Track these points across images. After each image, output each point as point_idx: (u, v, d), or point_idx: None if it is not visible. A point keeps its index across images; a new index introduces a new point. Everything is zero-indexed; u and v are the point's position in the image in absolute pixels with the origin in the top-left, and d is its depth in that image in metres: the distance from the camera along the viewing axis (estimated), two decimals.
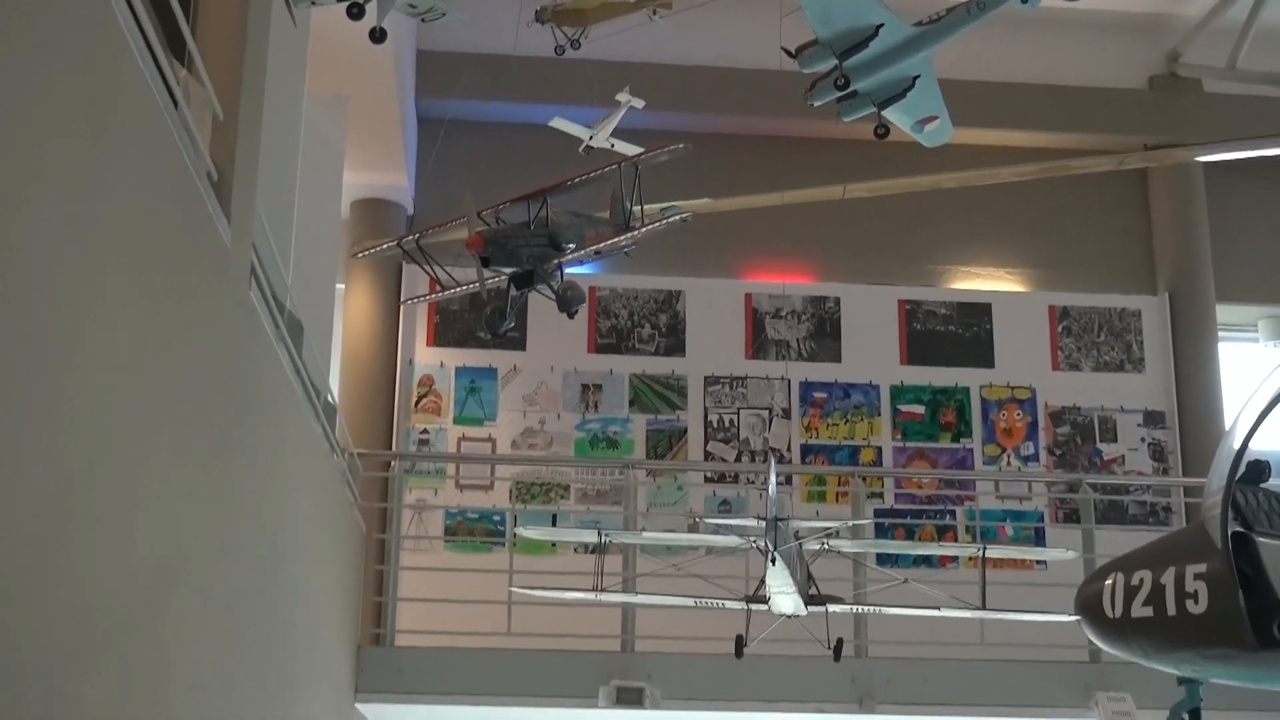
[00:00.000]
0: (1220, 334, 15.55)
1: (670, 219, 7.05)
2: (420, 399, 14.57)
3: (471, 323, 14.43)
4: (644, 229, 7.04)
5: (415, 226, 12.71)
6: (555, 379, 14.74)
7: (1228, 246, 15.56)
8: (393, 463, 13.15)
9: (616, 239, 7.08)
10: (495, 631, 11.51)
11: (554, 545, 13.32)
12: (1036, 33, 15.11)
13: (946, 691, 11.66)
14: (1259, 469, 8.43)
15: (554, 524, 13.45)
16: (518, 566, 11.88)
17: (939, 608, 8.42)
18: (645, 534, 9.14)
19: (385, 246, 8.04)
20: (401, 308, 14.47)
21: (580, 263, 7.25)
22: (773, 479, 7.11)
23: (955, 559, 13.50)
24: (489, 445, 14.53)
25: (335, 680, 10.16)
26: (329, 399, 8.99)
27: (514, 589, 9.49)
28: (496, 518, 14.18)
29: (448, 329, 14.73)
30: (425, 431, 14.51)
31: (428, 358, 14.69)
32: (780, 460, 14.54)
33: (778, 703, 11.47)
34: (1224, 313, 15.62)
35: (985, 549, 7.80)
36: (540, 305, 8.18)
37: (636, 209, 7.16)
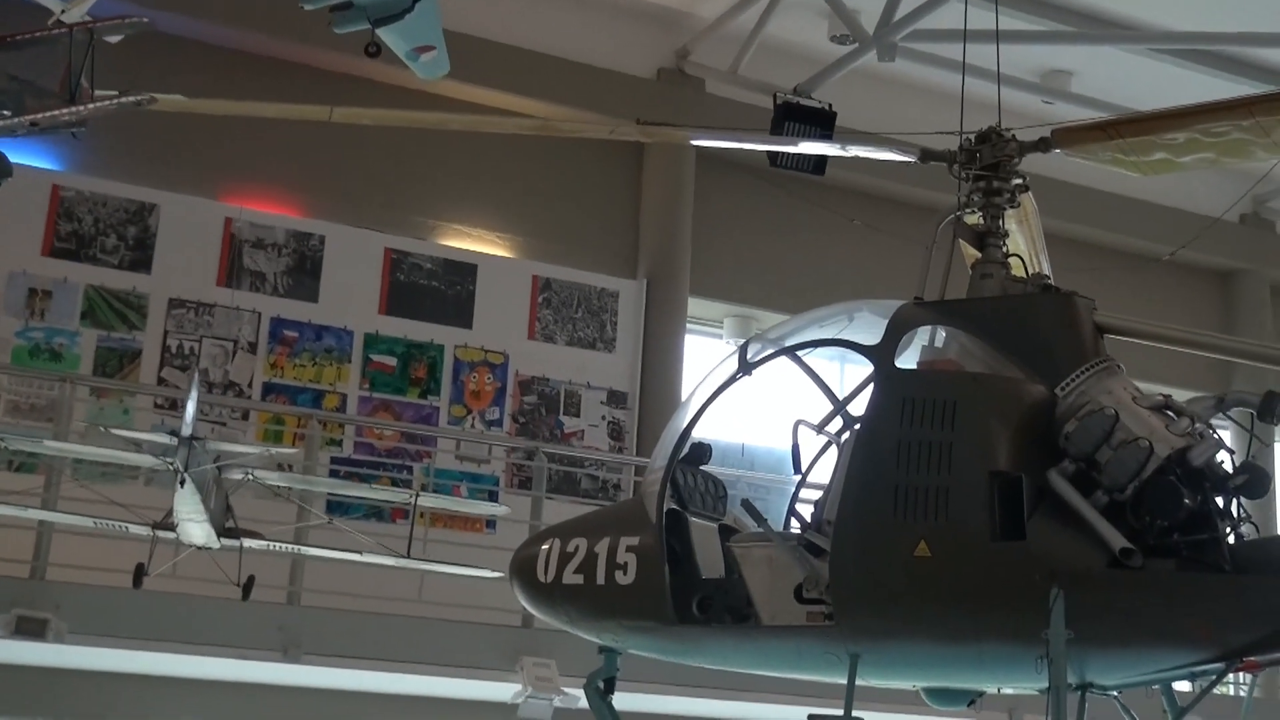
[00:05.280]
0: (689, 326, 16.19)
1: (124, 100, 6.38)
2: None
3: None
4: (93, 105, 6.32)
5: None
6: None
7: (706, 244, 16.18)
8: None
9: (58, 111, 6.33)
10: None
11: None
12: (560, 4, 15.13)
13: (378, 646, 11.44)
14: (701, 451, 8.66)
15: None
16: None
17: (361, 552, 8.15)
18: (47, 443, 8.28)
19: None
20: None
21: (13, 134, 6.44)
22: (194, 394, 6.59)
23: (407, 513, 13.29)
24: None
25: None
26: None
27: None
28: None
29: None
30: None
31: None
32: (239, 395, 13.89)
33: (196, 645, 10.87)
34: (695, 306, 16.28)
35: (418, 496, 7.61)
36: None
37: (88, 86, 6.42)
